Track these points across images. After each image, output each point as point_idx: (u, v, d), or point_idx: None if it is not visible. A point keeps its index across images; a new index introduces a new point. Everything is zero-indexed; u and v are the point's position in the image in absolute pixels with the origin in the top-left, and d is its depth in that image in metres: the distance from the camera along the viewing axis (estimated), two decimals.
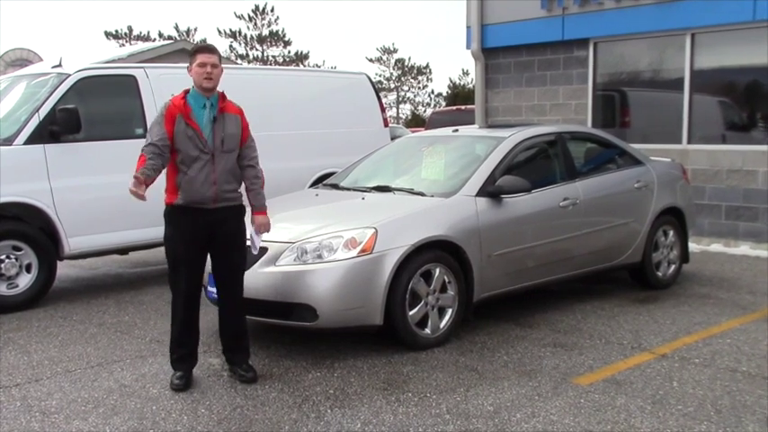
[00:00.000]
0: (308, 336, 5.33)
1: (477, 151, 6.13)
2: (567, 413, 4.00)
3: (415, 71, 64.66)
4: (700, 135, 9.73)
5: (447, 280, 5.23)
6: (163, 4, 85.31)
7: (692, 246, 8.21)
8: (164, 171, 4.45)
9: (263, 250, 4.93)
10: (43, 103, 6.64)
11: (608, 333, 5.49)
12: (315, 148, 8.56)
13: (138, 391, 4.43)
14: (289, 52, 59.96)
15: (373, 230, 4.94)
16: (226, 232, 4.46)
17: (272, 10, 60.20)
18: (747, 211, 9.25)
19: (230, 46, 59.10)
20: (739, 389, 4.33)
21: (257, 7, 59.49)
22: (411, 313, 5.03)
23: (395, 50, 64.74)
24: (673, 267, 7.03)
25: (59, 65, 7.23)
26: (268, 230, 4.66)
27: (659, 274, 6.88)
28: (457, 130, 6.76)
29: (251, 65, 49.18)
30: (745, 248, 8.93)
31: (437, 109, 43.29)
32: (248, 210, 4.67)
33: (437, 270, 5.16)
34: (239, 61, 54.01)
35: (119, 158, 6.96)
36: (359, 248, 4.86)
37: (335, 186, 6.40)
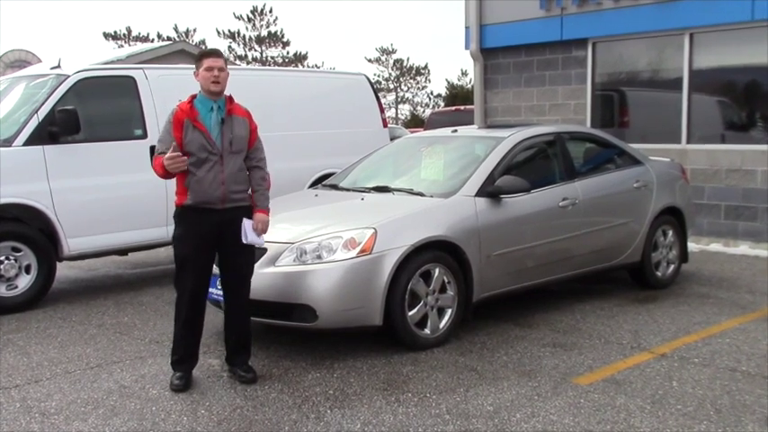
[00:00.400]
0: (307, 336, 5.33)
1: (477, 151, 6.13)
2: (566, 413, 4.00)
3: (414, 71, 64.65)
4: (699, 135, 9.74)
5: (446, 280, 5.23)
6: (162, 4, 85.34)
7: (692, 245, 8.22)
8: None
9: (263, 251, 4.93)
10: (42, 105, 6.64)
11: (607, 333, 5.49)
12: (314, 148, 8.57)
13: (138, 392, 4.43)
14: (288, 53, 60.00)
15: (372, 231, 4.95)
16: (234, 233, 4.47)
17: (270, 11, 60.32)
18: (746, 210, 9.26)
19: (229, 47, 59.13)
20: (739, 388, 4.33)
21: (256, 8, 59.50)
22: (410, 313, 5.03)
23: (393, 51, 64.75)
24: (672, 267, 7.03)
25: (58, 66, 7.23)
26: (265, 230, 4.65)
27: (658, 273, 6.88)
28: (456, 131, 6.76)
29: (250, 65, 49.14)
30: (744, 248, 8.93)
31: (436, 109, 43.29)
32: None
33: (436, 270, 5.16)
34: (238, 62, 54.01)
35: (118, 159, 6.98)
36: (358, 249, 4.87)
37: (335, 187, 6.40)
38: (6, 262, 6.41)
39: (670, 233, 6.98)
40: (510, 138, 6.08)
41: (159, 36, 56.82)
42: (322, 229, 5.07)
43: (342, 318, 4.87)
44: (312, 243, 4.95)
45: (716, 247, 9.12)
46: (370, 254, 4.87)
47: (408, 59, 64.67)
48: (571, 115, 10.85)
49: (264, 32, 59.80)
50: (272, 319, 5.07)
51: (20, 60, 21.47)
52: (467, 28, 11.72)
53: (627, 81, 10.75)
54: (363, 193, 5.92)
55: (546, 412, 4.02)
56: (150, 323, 5.99)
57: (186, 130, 4.34)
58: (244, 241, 4.51)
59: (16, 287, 6.47)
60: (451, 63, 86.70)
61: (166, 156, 4.28)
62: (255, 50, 59.77)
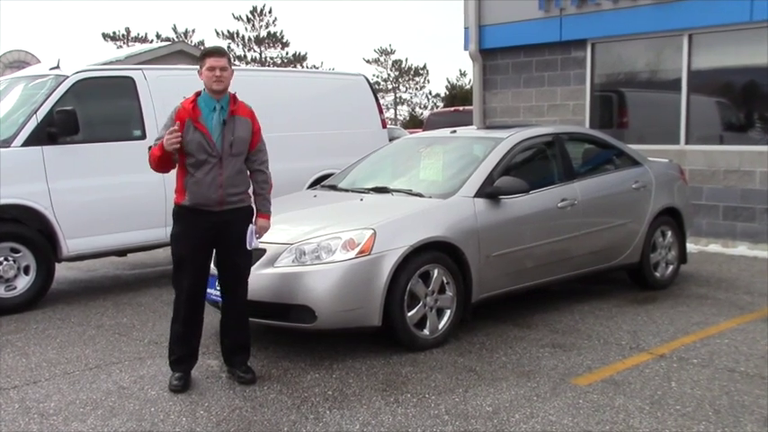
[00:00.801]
0: (306, 337, 5.33)
1: (476, 152, 6.13)
2: (565, 414, 4.01)
3: (413, 72, 64.71)
4: (697, 135, 9.75)
5: (445, 281, 5.23)
6: (160, 5, 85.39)
7: (690, 246, 8.22)
8: (174, 171, 4.50)
9: (262, 251, 4.94)
10: (41, 105, 6.63)
11: (606, 333, 5.49)
12: (313, 149, 8.57)
13: (137, 393, 4.43)
14: (287, 54, 60.04)
15: (372, 231, 4.95)
16: (232, 234, 4.48)
17: (269, 11, 60.31)
18: (745, 211, 9.26)
19: (228, 47, 59.10)
20: (737, 389, 4.33)
21: (255, 8, 59.54)
22: (409, 314, 5.03)
23: (392, 51, 64.81)
24: (671, 268, 7.03)
25: (57, 66, 7.22)
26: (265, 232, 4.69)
27: (657, 274, 6.89)
28: (455, 131, 6.76)
29: (249, 66, 49.18)
30: (742, 249, 8.94)
31: (435, 110, 43.29)
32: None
33: (435, 271, 5.16)
34: (237, 62, 54.04)
35: (117, 160, 6.97)
36: (357, 249, 4.87)
37: (334, 187, 6.40)
38: (5, 263, 6.40)
39: (669, 234, 6.99)
40: (509, 138, 6.09)
41: (158, 37, 56.90)
42: (321, 230, 5.07)
43: (341, 318, 4.87)
44: (311, 244, 4.95)
45: (714, 247, 9.13)
46: (369, 255, 4.87)
47: (407, 60, 64.86)
48: (570, 116, 10.86)
49: (264, 33, 59.86)
50: (270, 320, 5.07)
51: (19, 61, 21.47)
52: (466, 28, 11.72)
53: (626, 82, 10.75)
54: (362, 194, 5.93)
55: (545, 413, 4.02)
56: (149, 324, 5.99)
57: (187, 129, 4.33)
58: (248, 248, 4.58)
59: (15, 288, 6.46)
60: (450, 63, 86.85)
61: (167, 133, 4.26)
62: (254, 51, 59.84)
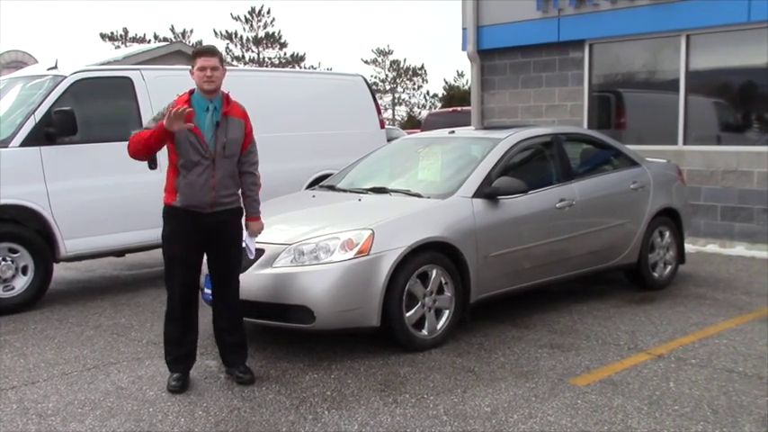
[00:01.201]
0: (304, 337, 5.33)
1: (474, 153, 6.14)
2: (563, 414, 4.01)
3: (411, 72, 64.72)
4: (695, 136, 9.76)
5: (444, 281, 5.23)
6: (159, 5, 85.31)
7: (688, 246, 8.23)
8: (157, 171, 4.48)
9: (260, 252, 4.94)
10: (39, 106, 6.63)
11: (605, 334, 5.50)
12: (311, 149, 8.57)
13: (135, 394, 4.43)
14: (285, 54, 59.98)
15: (370, 232, 4.95)
16: (223, 234, 4.47)
17: (268, 12, 60.22)
18: (743, 211, 9.28)
19: (226, 47, 59.10)
20: (735, 389, 4.34)
21: (253, 9, 59.48)
22: (408, 315, 5.03)
23: (390, 52, 64.83)
24: (669, 268, 7.04)
25: (55, 67, 7.22)
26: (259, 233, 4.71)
27: (655, 274, 6.90)
28: (453, 132, 6.77)
29: (247, 66, 49.14)
30: (740, 249, 8.95)
31: (433, 110, 43.30)
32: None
33: (434, 271, 5.16)
34: (235, 63, 53.97)
35: (115, 160, 6.94)
36: (356, 250, 4.86)
37: (332, 188, 6.40)
38: (3, 263, 6.40)
39: (667, 234, 6.99)
40: (507, 139, 6.09)
41: (156, 37, 56.80)
42: (319, 231, 5.07)
43: (339, 319, 4.87)
44: (309, 244, 4.95)
45: (712, 248, 9.14)
46: (367, 255, 4.87)
47: (405, 60, 64.86)
48: (568, 116, 10.86)
49: (262, 33, 59.82)
50: (269, 321, 5.07)
51: (16, 61, 21.48)
52: (464, 29, 11.72)
53: (624, 82, 10.76)
54: (361, 195, 5.92)
55: (543, 413, 4.02)
56: (147, 324, 5.98)
57: (180, 129, 4.29)
58: (250, 257, 4.67)
59: (13, 288, 6.46)
60: (448, 64, 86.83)
61: (174, 107, 4.09)
62: (253, 51, 59.78)
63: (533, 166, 6.45)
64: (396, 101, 64.19)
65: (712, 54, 9.66)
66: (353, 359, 4.96)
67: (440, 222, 5.27)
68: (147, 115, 7.13)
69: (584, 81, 10.73)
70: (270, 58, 59.40)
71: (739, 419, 3.91)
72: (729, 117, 9.94)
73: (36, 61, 20.17)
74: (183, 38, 57.08)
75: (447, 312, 5.27)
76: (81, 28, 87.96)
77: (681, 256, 7.20)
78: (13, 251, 6.46)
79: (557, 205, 6.03)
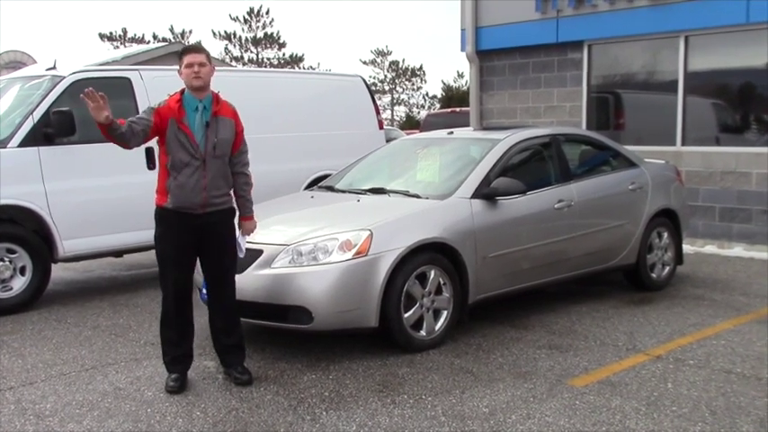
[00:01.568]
0: (303, 338, 5.33)
1: (472, 153, 6.14)
2: (562, 415, 4.01)
3: (409, 73, 64.75)
4: (694, 137, 9.77)
5: (442, 282, 5.23)
6: (157, 5, 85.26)
7: (687, 247, 8.23)
8: (156, 172, 4.48)
9: (258, 252, 4.93)
10: (37, 106, 6.63)
11: (603, 335, 5.50)
12: (310, 150, 8.57)
13: (133, 394, 4.42)
14: (284, 54, 60.01)
15: (368, 233, 4.94)
16: (215, 235, 4.46)
17: (267, 12, 60.19)
18: (741, 212, 9.28)
19: (225, 48, 59.14)
20: (734, 390, 4.34)
21: (252, 9, 59.51)
22: (406, 315, 5.03)
23: (389, 53, 64.89)
24: (667, 269, 7.04)
25: (54, 67, 7.21)
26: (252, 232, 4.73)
27: (654, 275, 6.90)
28: (452, 133, 6.77)
29: (246, 67, 49.11)
30: (738, 250, 8.96)
31: (432, 111, 43.32)
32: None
33: (432, 272, 5.16)
34: (234, 63, 53.97)
35: (113, 161, 6.95)
36: (354, 251, 4.86)
37: (331, 188, 6.40)
38: (1, 264, 6.39)
39: (665, 235, 7.00)
40: (506, 140, 6.09)
41: (155, 37, 56.83)
42: (318, 231, 5.07)
43: (337, 319, 4.87)
44: (308, 245, 4.95)
45: (710, 249, 9.14)
46: (365, 256, 4.87)
47: (404, 61, 64.89)
48: (566, 117, 10.87)
49: (261, 34, 59.84)
50: (267, 321, 5.07)
51: (15, 61, 21.46)
52: (462, 30, 11.73)
53: (622, 83, 10.77)
54: (359, 195, 5.92)
55: (541, 414, 4.02)
56: (145, 325, 5.98)
57: (170, 128, 4.28)
58: (240, 256, 4.64)
59: (11, 289, 6.45)
60: (447, 64, 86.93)
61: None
62: (251, 52, 59.79)
63: (532, 166, 6.45)
64: (395, 101, 64.22)
65: (711, 55, 9.67)
66: (352, 360, 4.95)
67: (438, 223, 5.27)
68: None
69: (583, 82, 10.73)
70: (269, 59, 59.43)
71: (737, 420, 3.91)
72: (728, 118, 9.95)
73: (35, 61, 20.16)
74: (183, 38, 57.08)
75: (445, 313, 5.27)
76: (80, 28, 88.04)
77: (679, 257, 7.20)
78: (11, 251, 6.45)
79: (555, 206, 6.03)
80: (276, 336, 5.44)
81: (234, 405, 4.23)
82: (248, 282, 4.86)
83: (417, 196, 5.65)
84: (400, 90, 65.02)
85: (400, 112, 63.42)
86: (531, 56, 11.23)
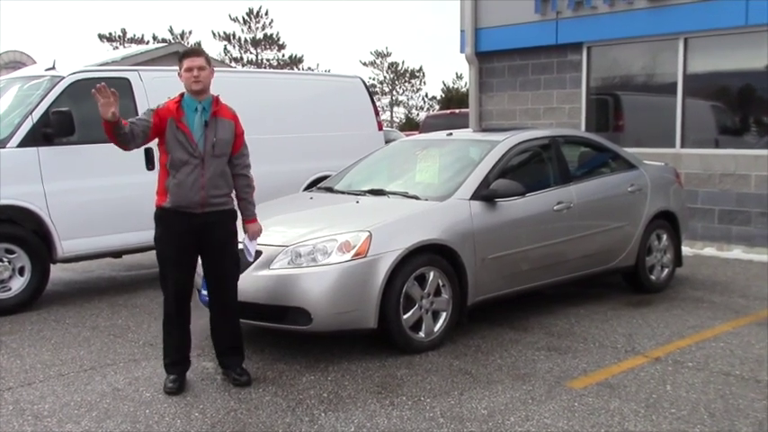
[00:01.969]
0: (302, 339, 5.32)
1: (472, 155, 6.14)
2: (560, 417, 4.01)
3: (409, 75, 64.78)
4: (693, 139, 9.77)
5: (441, 283, 5.23)
6: (157, 6, 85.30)
7: (686, 249, 8.23)
8: (155, 172, 4.48)
9: (258, 253, 4.93)
10: (37, 106, 6.62)
11: (602, 336, 5.50)
12: (309, 151, 8.57)
13: (132, 395, 4.42)
14: (283, 56, 60.03)
15: (367, 234, 4.94)
16: (215, 237, 4.45)
17: (266, 13, 60.24)
18: (740, 214, 9.28)
19: (225, 49, 59.13)
20: (732, 392, 4.34)
21: (252, 10, 59.54)
22: (405, 317, 5.03)
23: (388, 54, 64.95)
24: (666, 271, 7.05)
25: (53, 67, 7.21)
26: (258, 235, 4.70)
27: (653, 277, 6.90)
28: (451, 134, 6.77)
29: (245, 68, 49.12)
30: (737, 252, 8.96)
31: (431, 112, 43.34)
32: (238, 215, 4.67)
33: (431, 273, 5.16)
34: (233, 64, 53.97)
35: (112, 161, 6.93)
36: (353, 252, 4.86)
37: (330, 190, 6.40)
38: (0, 264, 6.38)
39: (664, 237, 7.00)
40: (505, 141, 6.09)
41: (154, 38, 56.83)
42: (317, 232, 5.07)
43: (336, 321, 4.87)
44: (307, 246, 4.95)
45: (710, 251, 9.15)
46: (364, 257, 4.87)
47: (403, 62, 65.02)
48: (566, 119, 10.88)
49: (260, 35, 59.85)
50: (266, 322, 5.07)
51: (15, 61, 21.46)
52: (462, 31, 11.73)
53: (621, 85, 10.77)
54: (358, 196, 5.92)
55: (540, 416, 4.02)
56: (144, 326, 5.97)
57: (169, 128, 4.30)
58: (249, 260, 4.67)
59: (10, 289, 6.45)
60: (447, 66, 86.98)
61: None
62: (251, 53, 59.82)
63: (531, 168, 6.45)
64: (394, 103, 64.24)
65: (710, 57, 9.68)
66: (350, 361, 4.95)
67: (437, 224, 5.27)
68: None
69: (582, 84, 10.74)
70: (268, 60, 59.45)
71: (736, 423, 3.91)
72: (727, 120, 9.95)
73: (34, 62, 20.16)
74: (182, 39, 57.09)
75: (444, 314, 5.27)
76: (79, 28, 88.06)
77: (678, 259, 7.20)
78: (10, 252, 6.45)
79: (554, 208, 6.03)
80: (275, 337, 5.44)
81: (232, 406, 4.22)
82: (247, 283, 4.86)
83: (416, 198, 5.65)
84: (399, 91, 65.08)
85: (399, 113, 63.53)
86: (530, 57, 11.24)
